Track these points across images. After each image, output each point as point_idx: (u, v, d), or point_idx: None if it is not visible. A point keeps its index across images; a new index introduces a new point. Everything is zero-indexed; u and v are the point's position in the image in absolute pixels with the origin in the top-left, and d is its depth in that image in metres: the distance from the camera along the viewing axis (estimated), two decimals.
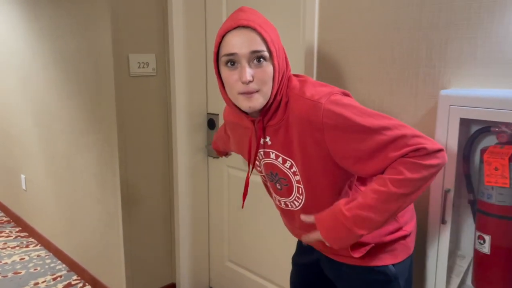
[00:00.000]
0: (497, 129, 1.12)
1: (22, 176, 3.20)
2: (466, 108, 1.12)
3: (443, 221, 1.20)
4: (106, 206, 2.29)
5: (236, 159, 2.16)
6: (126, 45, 2.05)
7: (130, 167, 2.17)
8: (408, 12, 1.31)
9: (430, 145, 0.94)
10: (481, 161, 1.13)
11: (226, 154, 1.71)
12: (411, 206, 1.22)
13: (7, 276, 2.68)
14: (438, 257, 1.23)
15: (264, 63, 1.00)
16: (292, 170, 1.10)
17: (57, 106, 2.58)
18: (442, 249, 1.22)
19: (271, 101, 1.03)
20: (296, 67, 1.76)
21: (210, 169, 2.35)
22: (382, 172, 0.98)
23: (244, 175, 2.13)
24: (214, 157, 2.30)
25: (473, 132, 1.19)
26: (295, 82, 1.07)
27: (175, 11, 2.10)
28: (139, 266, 2.29)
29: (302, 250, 1.38)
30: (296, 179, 1.10)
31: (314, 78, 1.60)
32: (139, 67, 2.11)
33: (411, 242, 1.18)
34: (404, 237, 1.16)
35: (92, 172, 2.35)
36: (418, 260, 1.41)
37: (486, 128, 1.15)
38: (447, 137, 1.17)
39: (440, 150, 0.95)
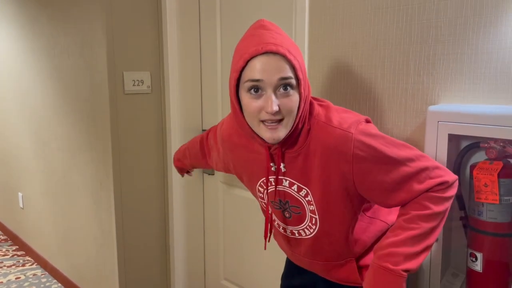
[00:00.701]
0: (486, 145, 1.11)
1: (20, 194, 3.20)
2: (454, 124, 1.11)
3: None
4: (101, 225, 2.28)
5: (230, 176, 2.15)
6: (121, 63, 2.07)
7: (125, 185, 2.16)
8: (398, 28, 1.32)
9: (449, 177, 0.99)
10: (471, 177, 1.12)
11: (189, 172, 1.69)
12: None
13: None
14: (431, 275, 1.21)
15: (291, 91, 0.94)
16: (307, 199, 1.06)
17: (54, 124, 2.59)
18: (434, 267, 1.20)
19: (292, 129, 0.98)
20: None
21: (205, 186, 2.34)
22: (404, 204, 1.00)
23: (240, 192, 2.12)
24: (209, 174, 2.29)
25: (462, 148, 1.18)
26: (317, 108, 1.02)
27: (169, 30, 2.12)
28: (134, 285, 2.26)
29: (294, 270, 1.34)
30: (311, 208, 1.07)
31: None
32: (133, 85, 2.12)
33: None
34: None
35: (88, 190, 2.35)
36: (410, 278, 1.39)
37: (475, 144, 1.14)
38: (436, 153, 1.16)
39: (456, 180, 1.01)
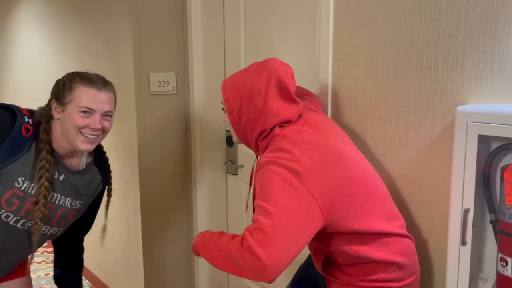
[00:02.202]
0: None
1: None
2: (484, 125, 1.08)
3: (463, 242, 1.15)
4: (127, 223, 2.32)
5: None
6: (147, 64, 2.10)
7: (150, 184, 2.19)
8: (425, 26, 1.29)
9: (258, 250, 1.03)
10: (502, 179, 1.08)
11: None
12: (411, 269, 1.21)
13: None
14: (459, 280, 1.18)
15: (224, 113, 1.32)
16: None
17: None
18: (462, 272, 1.17)
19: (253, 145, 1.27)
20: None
21: (229, 186, 2.35)
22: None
23: None
24: (232, 174, 2.30)
25: (492, 149, 1.14)
26: (284, 132, 1.19)
27: (194, 31, 2.15)
28: (159, 285, 2.29)
29: (311, 264, 1.48)
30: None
31: (329, 102, 1.58)
32: (159, 86, 2.16)
33: None
34: None
35: (115, 189, 2.40)
36: (438, 283, 1.35)
37: (506, 145, 1.11)
38: (465, 154, 1.13)
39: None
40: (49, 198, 1.23)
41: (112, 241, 2.50)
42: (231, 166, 2.27)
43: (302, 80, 1.80)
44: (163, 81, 2.17)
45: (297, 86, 1.60)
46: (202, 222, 2.30)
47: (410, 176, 1.38)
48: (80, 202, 1.33)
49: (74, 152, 1.30)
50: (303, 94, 1.55)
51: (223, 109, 1.31)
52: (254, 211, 1.13)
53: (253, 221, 1.05)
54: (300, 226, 1.03)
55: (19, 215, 1.21)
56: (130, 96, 2.13)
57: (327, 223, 1.11)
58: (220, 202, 2.35)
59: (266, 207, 1.04)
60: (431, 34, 1.27)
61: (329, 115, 1.60)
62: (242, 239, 1.04)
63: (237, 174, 2.28)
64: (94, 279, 2.78)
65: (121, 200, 2.34)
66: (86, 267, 2.87)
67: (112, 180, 2.18)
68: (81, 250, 1.56)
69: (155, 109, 2.17)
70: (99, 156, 1.41)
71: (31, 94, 3.44)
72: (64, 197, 1.28)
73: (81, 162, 1.33)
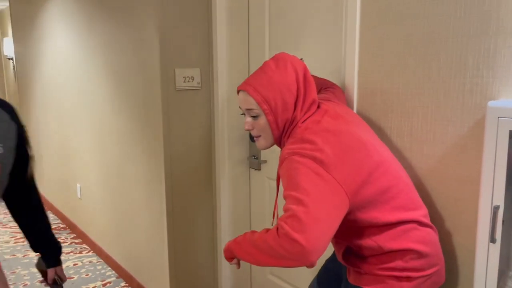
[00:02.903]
0: None
1: (78, 185, 3.39)
2: None
3: (492, 240, 1.13)
4: (152, 215, 2.37)
5: (275, 170, 2.15)
6: (173, 60, 2.13)
7: (175, 178, 2.23)
8: (455, 20, 1.27)
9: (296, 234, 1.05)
10: None
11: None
12: (431, 260, 1.20)
13: None
14: (487, 277, 1.16)
15: (259, 117, 1.26)
16: None
17: (110, 118, 2.72)
18: (491, 270, 1.15)
19: (276, 142, 1.30)
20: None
21: (252, 181, 2.36)
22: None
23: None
24: (255, 169, 2.32)
25: None
26: (298, 129, 1.21)
27: (219, 27, 2.16)
28: (183, 275, 2.34)
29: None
30: None
31: (355, 97, 1.57)
32: (184, 81, 2.18)
33: (410, 287, 1.18)
34: (398, 278, 1.17)
35: (141, 182, 2.45)
36: (464, 280, 1.34)
37: None
38: (496, 150, 1.10)
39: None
40: None
41: (137, 232, 2.56)
42: (254, 161, 2.29)
43: (327, 75, 1.79)
44: (188, 77, 2.20)
45: (321, 78, 1.62)
46: (225, 216, 2.33)
47: (438, 172, 1.36)
48: (1, 144, 1.22)
49: None
50: (327, 86, 1.56)
51: (244, 114, 1.30)
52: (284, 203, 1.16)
53: (285, 210, 1.07)
54: (331, 209, 1.05)
55: None
56: (156, 92, 2.16)
57: (350, 209, 1.14)
58: (243, 196, 2.37)
59: (296, 196, 1.05)
60: (462, 27, 1.25)
61: (355, 110, 1.59)
62: (277, 229, 1.05)
63: (260, 169, 2.29)
64: (119, 269, 2.85)
65: (147, 193, 2.39)
66: (112, 257, 2.94)
67: (138, 173, 2.19)
68: (33, 195, 1.42)
69: (180, 104, 2.20)
70: None
71: (60, 89, 3.53)
72: None
73: None
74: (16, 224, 3.81)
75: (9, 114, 1.28)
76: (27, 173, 1.38)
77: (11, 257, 3.20)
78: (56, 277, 1.49)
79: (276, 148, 2.16)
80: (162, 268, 2.34)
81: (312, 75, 1.50)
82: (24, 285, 2.76)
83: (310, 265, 1.02)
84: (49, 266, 1.47)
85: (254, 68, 2.24)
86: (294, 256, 1.01)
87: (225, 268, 2.37)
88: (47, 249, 1.46)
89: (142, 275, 2.59)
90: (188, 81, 2.20)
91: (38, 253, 1.49)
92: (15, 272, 2.95)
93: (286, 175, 1.12)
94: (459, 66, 1.27)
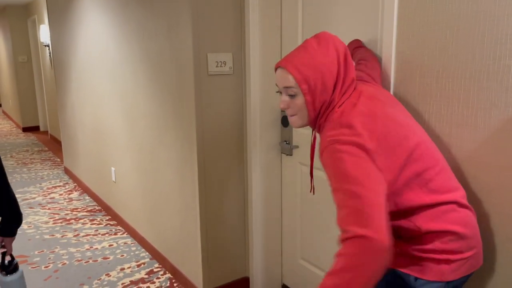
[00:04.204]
0: None
1: (112, 169, 3.48)
2: None
3: None
4: (185, 199, 2.41)
5: (307, 155, 2.14)
6: (205, 44, 2.13)
7: (207, 162, 2.25)
8: None
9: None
10: None
11: None
12: (470, 242, 1.17)
13: (97, 260, 2.93)
14: None
15: (296, 96, 1.22)
16: None
17: (143, 103, 2.76)
18: None
19: (311, 121, 1.26)
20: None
21: (283, 166, 2.36)
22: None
23: (318, 173, 2.12)
24: (287, 154, 2.31)
25: None
26: (336, 111, 1.19)
27: (251, 11, 2.14)
28: (215, 258, 2.37)
29: None
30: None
31: (392, 80, 1.53)
32: (217, 66, 2.18)
33: (449, 270, 1.14)
34: (437, 261, 1.14)
35: (174, 166, 2.49)
36: (507, 269, 1.29)
37: None
38: None
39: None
40: None
41: (171, 215, 2.61)
42: (286, 147, 2.28)
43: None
44: (220, 62, 2.19)
45: (353, 42, 1.65)
46: (257, 200, 2.34)
47: (479, 159, 1.31)
48: None
49: None
50: (360, 57, 1.56)
51: (279, 92, 1.26)
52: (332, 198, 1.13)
53: (340, 206, 1.03)
54: (381, 190, 1.04)
55: None
56: (189, 76, 2.17)
57: (388, 192, 1.12)
58: (274, 182, 2.37)
59: (347, 188, 1.03)
60: (508, 6, 1.19)
61: (392, 92, 1.55)
62: (343, 239, 0.99)
63: (291, 155, 2.28)
64: (152, 251, 2.93)
65: (180, 177, 2.43)
66: (146, 239, 3.02)
67: (170, 157, 2.21)
68: None
69: (213, 89, 2.20)
70: None
71: (94, 74, 3.61)
72: None
73: None
74: (55, 205, 3.98)
75: None
76: None
77: (50, 237, 3.33)
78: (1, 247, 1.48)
79: (308, 133, 2.14)
80: (194, 250, 2.39)
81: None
82: (63, 264, 2.88)
83: (388, 254, 0.95)
84: (1, 234, 1.46)
85: (286, 51, 2.21)
86: (371, 254, 0.94)
87: (257, 253, 2.40)
88: (4, 213, 1.44)
89: (175, 256, 2.65)
90: (221, 66, 2.20)
91: None
92: (54, 251, 3.08)
93: (332, 166, 1.09)
94: (504, 47, 1.21)
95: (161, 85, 2.49)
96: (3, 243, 1.48)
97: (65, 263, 2.89)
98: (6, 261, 1.49)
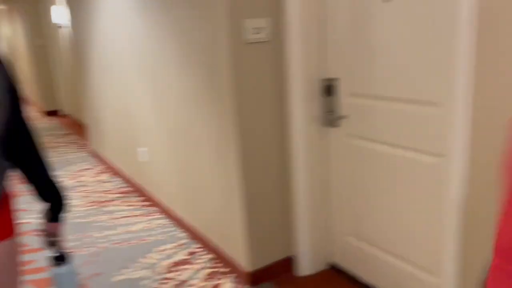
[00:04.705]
0: None
1: (144, 149, 3.38)
2: None
3: None
4: (225, 176, 2.29)
5: (358, 128, 1.98)
6: (241, 10, 1.96)
7: (247, 138, 2.12)
8: None
9: None
10: None
11: None
12: None
13: (134, 243, 2.87)
14: None
15: None
16: None
17: (173, 78, 2.62)
18: None
19: None
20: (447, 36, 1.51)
21: (328, 139, 2.21)
22: None
23: (369, 145, 1.96)
24: (332, 126, 2.15)
25: None
26: None
27: None
28: (259, 238, 2.27)
29: None
30: None
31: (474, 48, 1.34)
32: (253, 33, 2.02)
33: None
34: None
35: (211, 142, 2.36)
36: None
37: None
38: None
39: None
40: None
41: (210, 194, 2.51)
42: (331, 117, 2.12)
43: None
44: (257, 28, 2.02)
45: None
46: (301, 176, 2.21)
47: None
48: None
49: None
50: None
51: None
52: None
53: None
54: None
55: None
56: (224, 45, 2.01)
57: None
58: (319, 155, 2.23)
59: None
60: None
61: (467, 49, 1.37)
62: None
63: (338, 126, 2.13)
64: (190, 231, 2.85)
65: (219, 155, 2.30)
66: (182, 220, 2.94)
67: (206, 135, 2.05)
68: (32, 136, 1.30)
69: (250, 58, 2.04)
70: None
71: (120, 51, 3.48)
72: None
73: None
74: (86, 188, 3.94)
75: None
76: (22, 114, 1.25)
77: (85, 220, 3.29)
78: (50, 236, 1.38)
79: (358, 102, 1.97)
80: (237, 229, 2.29)
81: None
82: (100, 248, 2.83)
83: None
84: (48, 220, 1.38)
85: (329, 14, 2.02)
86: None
87: (302, 231, 2.28)
88: (51, 199, 1.36)
89: (216, 236, 2.56)
90: (258, 33, 2.03)
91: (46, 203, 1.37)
92: (90, 235, 3.03)
93: None
94: None
95: (193, 56, 2.34)
96: (52, 231, 1.40)
97: (103, 247, 2.85)
98: (58, 251, 1.40)
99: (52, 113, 8.11)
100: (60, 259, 1.40)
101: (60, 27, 6.37)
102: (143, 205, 3.48)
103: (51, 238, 1.40)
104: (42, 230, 1.39)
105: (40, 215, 1.40)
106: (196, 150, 2.54)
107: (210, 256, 2.62)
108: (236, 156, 2.13)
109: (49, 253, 1.40)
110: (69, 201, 1.40)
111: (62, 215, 1.40)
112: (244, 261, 2.30)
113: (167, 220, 3.17)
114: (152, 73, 2.90)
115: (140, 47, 2.99)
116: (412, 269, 1.92)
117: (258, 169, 2.19)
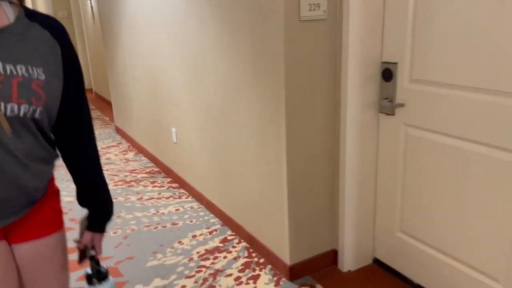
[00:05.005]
0: None
1: (173, 129, 3.26)
2: None
3: None
4: (267, 163, 2.16)
5: (417, 117, 1.81)
6: None
7: (294, 123, 1.97)
8: None
9: None
10: None
11: None
12: None
13: (166, 226, 2.77)
14: None
15: None
16: None
17: (211, 58, 2.47)
18: None
19: None
20: None
21: (381, 127, 2.05)
22: None
23: (430, 136, 1.79)
24: (388, 114, 1.99)
25: None
26: None
27: None
28: (302, 229, 2.14)
29: None
30: None
31: None
32: (310, 10, 1.84)
33: None
34: None
35: (252, 127, 2.22)
36: None
37: None
38: None
39: None
40: None
41: (248, 180, 2.38)
42: (388, 105, 1.96)
43: None
44: (314, 4, 1.85)
45: None
46: (350, 166, 2.06)
47: None
48: (40, 68, 0.97)
49: None
50: None
51: None
52: None
53: None
54: None
55: None
56: (277, 23, 1.85)
57: None
58: (371, 145, 2.07)
59: None
60: None
61: None
62: None
63: (393, 114, 1.96)
64: (223, 217, 2.74)
65: (260, 140, 2.16)
66: (214, 204, 2.83)
67: (250, 118, 1.87)
68: (90, 133, 1.16)
69: (304, 38, 1.88)
70: (28, 10, 1.02)
71: (151, 28, 3.33)
72: (4, 63, 0.92)
73: (6, 13, 0.95)
74: (113, 167, 3.85)
75: (50, 31, 1.02)
76: (82, 106, 1.11)
77: (114, 200, 3.21)
78: (89, 247, 1.19)
79: (418, 89, 1.80)
80: (278, 219, 2.16)
81: None
82: (131, 230, 2.75)
83: None
84: (89, 229, 1.19)
85: None
86: None
87: (347, 224, 2.14)
88: (95, 205, 1.18)
89: (252, 225, 2.44)
90: (314, 9, 1.86)
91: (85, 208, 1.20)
92: (120, 216, 2.95)
93: None
94: None
95: (236, 35, 2.17)
96: (92, 243, 1.20)
97: (134, 229, 2.76)
98: (96, 268, 1.19)
99: None
100: (98, 277, 1.19)
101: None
102: (171, 187, 3.38)
103: (89, 251, 1.20)
104: (78, 241, 1.20)
105: (78, 222, 1.22)
106: (234, 134, 2.40)
107: (245, 244, 2.51)
108: (282, 142, 1.99)
109: (85, 269, 1.21)
110: (113, 207, 1.18)
111: (105, 223, 1.20)
112: (284, 253, 2.18)
113: (197, 203, 3.07)
114: (188, 51, 2.74)
115: (176, 21, 2.83)
116: (473, 273, 1.77)
117: (305, 156, 2.05)
